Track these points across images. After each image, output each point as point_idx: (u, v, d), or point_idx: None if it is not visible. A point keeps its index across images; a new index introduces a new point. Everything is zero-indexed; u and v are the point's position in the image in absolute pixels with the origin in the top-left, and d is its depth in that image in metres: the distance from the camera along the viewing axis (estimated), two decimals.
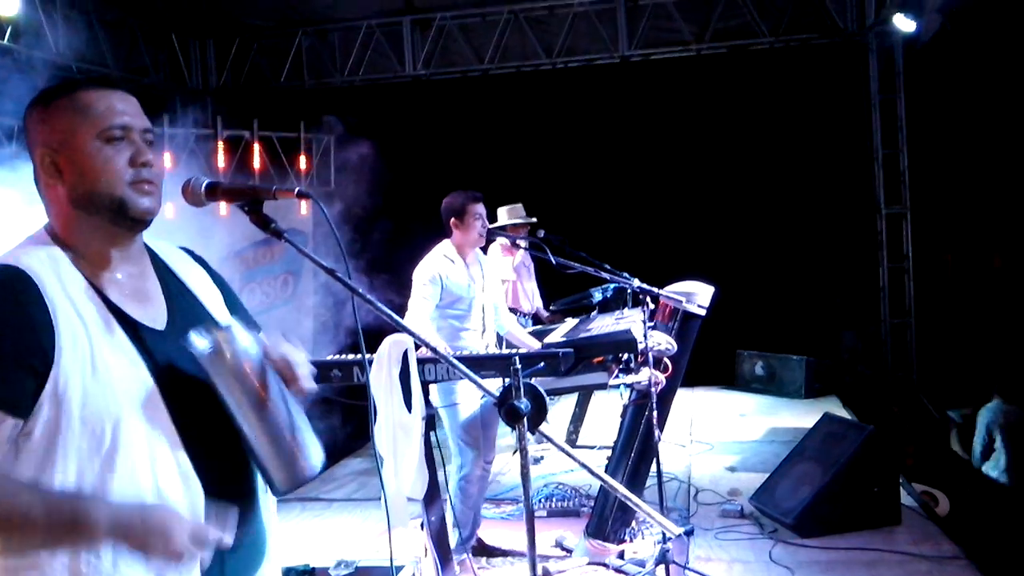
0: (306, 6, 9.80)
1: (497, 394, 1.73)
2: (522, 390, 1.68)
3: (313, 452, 1.67)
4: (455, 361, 1.71)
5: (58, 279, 1.59)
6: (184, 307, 1.76)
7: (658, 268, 5.61)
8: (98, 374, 1.55)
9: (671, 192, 9.91)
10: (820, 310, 9.61)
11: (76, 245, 1.66)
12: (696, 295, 4.82)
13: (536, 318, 7.49)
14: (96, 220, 1.66)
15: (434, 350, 1.69)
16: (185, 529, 1.54)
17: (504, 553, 5.07)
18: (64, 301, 1.57)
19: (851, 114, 9.47)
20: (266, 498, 1.84)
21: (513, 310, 7.16)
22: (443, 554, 4.37)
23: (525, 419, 1.67)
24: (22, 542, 1.51)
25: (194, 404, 1.64)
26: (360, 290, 1.75)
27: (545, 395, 1.73)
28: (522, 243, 6.25)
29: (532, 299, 7.45)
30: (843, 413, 7.86)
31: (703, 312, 4.85)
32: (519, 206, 7.38)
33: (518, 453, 6.71)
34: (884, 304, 9.48)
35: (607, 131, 9.96)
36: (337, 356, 4.24)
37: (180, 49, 9.94)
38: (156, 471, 1.58)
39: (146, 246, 1.78)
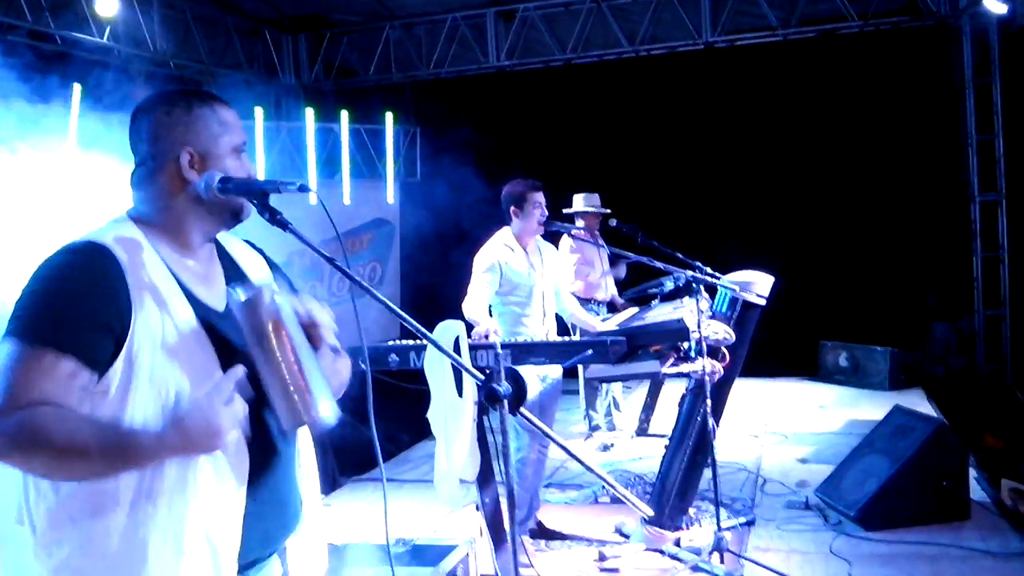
0: (394, 1, 10.01)
1: (482, 378, 1.81)
2: (503, 374, 1.76)
3: (320, 403, 1.77)
4: (438, 343, 1.81)
5: (139, 261, 1.78)
6: None
7: (744, 257, 5.55)
8: (167, 347, 1.75)
9: (759, 180, 9.79)
10: (910, 301, 9.36)
11: (171, 232, 1.87)
12: (755, 284, 4.81)
13: (611, 306, 7.53)
14: (210, 216, 1.89)
15: (422, 333, 1.79)
16: (220, 412, 1.67)
17: (563, 537, 5.15)
18: (143, 280, 1.76)
19: (943, 99, 9.17)
20: (303, 468, 2.01)
21: (589, 299, 7.24)
22: (497, 536, 4.49)
23: (505, 402, 1.76)
24: (86, 470, 1.67)
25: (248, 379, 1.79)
26: (357, 278, 1.86)
27: (525, 380, 1.81)
28: (576, 233, 6.29)
29: (607, 287, 7.49)
30: (926, 406, 7.67)
31: (762, 302, 4.83)
32: (595, 196, 7.45)
33: (588, 440, 6.81)
34: (978, 295, 9.17)
35: (692, 119, 9.89)
36: (395, 342, 4.40)
37: (273, 45, 10.28)
38: None
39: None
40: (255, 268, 2.05)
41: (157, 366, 1.73)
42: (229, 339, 1.83)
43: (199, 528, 1.75)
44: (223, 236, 2.01)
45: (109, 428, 1.68)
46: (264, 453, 1.86)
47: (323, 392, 1.79)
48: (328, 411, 1.79)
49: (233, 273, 1.98)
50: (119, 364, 1.71)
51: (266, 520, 1.87)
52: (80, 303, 1.70)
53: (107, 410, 1.70)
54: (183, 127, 1.86)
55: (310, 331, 1.83)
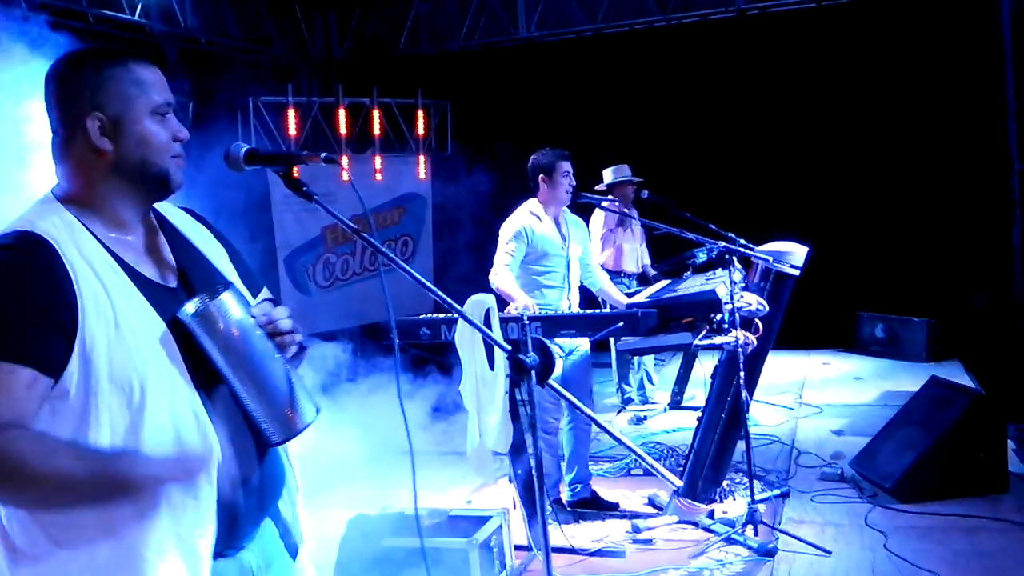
0: None
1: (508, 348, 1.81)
2: (530, 345, 1.76)
3: (303, 407, 1.73)
4: (467, 315, 1.80)
5: (74, 243, 1.64)
6: (192, 265, 1.83)
7: (781, 227, 5.49)
8: (121, 333, 1.61)
9: (793, 150, 9.64)
10: (948, 272, 9.21)
11: (100, 208, 1.72)
12: (789, 255, 4.76)
13: (643, 278, 7.50)
14: (134, 187, 1.73)
15: (451, 305, 1.78)
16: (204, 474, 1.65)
17: (605, 507, 5.18)
18: (83, 264, 1.62)
19: (983, 65, 8.95)
20: None
21: (619, 271, 7.21)
22: (531, 507, 4.51)
23: (532, 372, 1.74)
24: (58, 500, 1.57)
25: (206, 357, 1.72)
26: (384, 249, 1.86)
27: (553, 351, 1.80)
28: (606, 204, 6.25)
29: (638, 260, 7.46)
30: (965, 378, 7.57)
31: (796, 272, 4.78)
32: (625, 167, 7.40)
33: (621, 413, 6.80)
34: (1017, 264, 9.00)
35: (725, 88, 9.75)
36: (427, 315, 4.41)
37: (303, 19, 10.27)
38: (177, 424, 1.65)
39: (153, 209, 1.84)
40: (201, 239, 1.92)
41: (115, 359, 1.60)
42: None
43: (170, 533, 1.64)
44: (164, 207, 1.88)
45: (96, 454, 1.57)
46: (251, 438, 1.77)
47: (302, 395, 1.74)
48: (310, 413, 1.75)
49: (180, 245, 1.85)
50: (75, 362, 1.57)
51: (260, 488, 1.80)
52: (24, 303, 1.55)
53: (69, 415, 1.58)
54: (91, 90, 1.67)
55: (271, 332, 1.73)
